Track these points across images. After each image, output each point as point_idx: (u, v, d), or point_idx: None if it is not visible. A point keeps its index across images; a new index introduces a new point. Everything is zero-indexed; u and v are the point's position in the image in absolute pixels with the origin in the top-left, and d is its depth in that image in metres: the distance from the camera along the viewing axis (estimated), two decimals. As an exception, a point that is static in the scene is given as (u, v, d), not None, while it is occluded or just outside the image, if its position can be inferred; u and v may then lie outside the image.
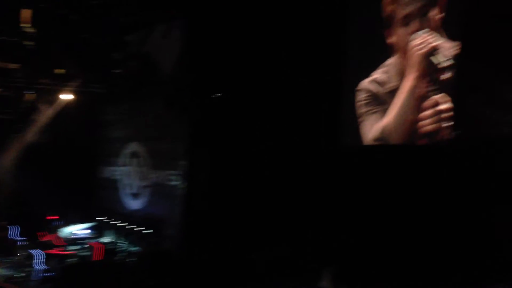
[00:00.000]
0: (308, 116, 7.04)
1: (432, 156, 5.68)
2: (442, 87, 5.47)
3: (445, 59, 5.39)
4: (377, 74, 6.21)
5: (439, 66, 5.43)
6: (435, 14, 5.57)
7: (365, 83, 6.37)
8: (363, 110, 6.40)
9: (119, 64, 9.00)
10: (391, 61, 6.03)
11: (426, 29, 5.59)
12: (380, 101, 6.20)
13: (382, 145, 6.16)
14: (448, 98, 5.43)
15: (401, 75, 5.93)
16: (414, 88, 5.70)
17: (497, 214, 5.04)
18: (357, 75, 6.46)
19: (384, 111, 6.16)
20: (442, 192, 5.52)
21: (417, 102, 5.68)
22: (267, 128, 7.50)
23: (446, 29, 5.47)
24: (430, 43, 5.53)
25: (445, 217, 5.47)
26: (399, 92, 5.87)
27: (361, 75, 6.40)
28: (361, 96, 6.42)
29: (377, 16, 6.10)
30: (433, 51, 5.51)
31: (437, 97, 5.49)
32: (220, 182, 7.96)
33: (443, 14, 5.50)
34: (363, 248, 6.25)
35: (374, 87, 6.26)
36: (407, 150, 5.95)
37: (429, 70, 5.56)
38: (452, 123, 5.38)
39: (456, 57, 5.36)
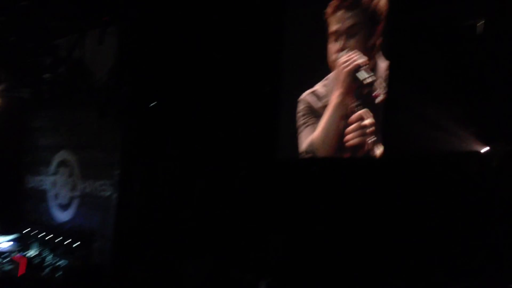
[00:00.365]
0: (246, 127, 7.01)
1: (361, 170, 5.80)
2: (366, 102, 5.68)
3: (368, 75, 5.62)
4: (318, 87, 6.26)
5: (364, 82, 5.65)
6: (366, 34, 5.74)
7: (305, 95, 6.41)
8: (300, 122, 6.44)
9: (49, 69, 8.69)
10: (332, 74, 6.12)
11: (352, 47, 5.78)
12: (316, 114, 6.27)
13: (315, 157, 6.22)
14: (371, 113, 5.63)
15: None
16: (339, 104, 5.90)
17: (421, 227, 5.21)
18: (299, 86, 6.47)
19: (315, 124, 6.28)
20: (370, 205, 5.64)
21: (342, 117, 5.87)
22: (203, 138, 7.42)
23: (380, 49, 5.62)
24: (355, 60, 5.74)
25: (375, 229, 5.59)
26: (327, 107, 6.06)
27: (303, 86, 6.40)
28: (300, 108, 6.47)
29: (319, 27, 6.16)
30: (358, 68, 5.71)
31: (361, 112, 5.70)
32: (153, 193, 7.80)
33: (375, 35, 5.65)
34: (298, 260, 6.27)
35: (312, 100, 6.33)
36: (341, 163, 6.03)
37: (353, 86, 5.77)
38: (374, 138, 5.56)
39: (388, 76, 5.50)
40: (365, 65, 5.66)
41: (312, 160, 6.28)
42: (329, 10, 6.02)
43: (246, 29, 6.87)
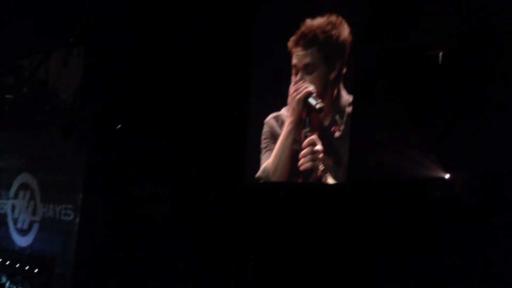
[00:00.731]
0: (214, 151, 6.97)
1: (324, 196, 5.83)
2: (315, 129, 5.91)
3: (317, 101, 5.88)
4: (283, 111, 6.30)
5: (316, 107, 5.89)
6: (325, 71, 5.92)
7: (270, 118, 6.44)
8: (262, 145, 6.46)
9: (12, 90, 8.53)
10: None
11: (310, 82, 6.00)
12: (276, 140, 6.32)
13: (279, 182, 6.23)
14: (320, 140, 5.86)
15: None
16: (291, 131, 6.12)
17: (382, 253, 5.25)
18: (266, 111, 6.48)
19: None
20: (332, 231, 5.66)
21: (294, 143, 6.09)
22: (170, 162, 7.35)
23: (342, 83, 5.78)
24: (305, 88, 5.98)
25: (333, 255, 5.61)
26: (282, 133, 6.24)
27: (270, 111, 6.43)
28: (263, 131, 6.50)
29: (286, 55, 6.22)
30: (308, 95, 5.95)
31: (313, 137, 5.91)
32: (117, 218, 7.66)
33: (335, 70, 5.82)
34: (262, 283, 6.22)
35: (274, 124, 6.38)
36: (303, 188, 6.04)
37: (304, 113, 6.02)
38: (323, 166, 5.76)
39: (351, 110, 5.65)
40: (315, 92, 5.93)
41: (278, 184, 6.28)
42: (290, 44, 6.16)
43: (215, 51, 6.89)
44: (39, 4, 7.61)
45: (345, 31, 5.73)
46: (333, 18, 5.83)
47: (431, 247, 4.99)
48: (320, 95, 5.90)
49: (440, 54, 5.06)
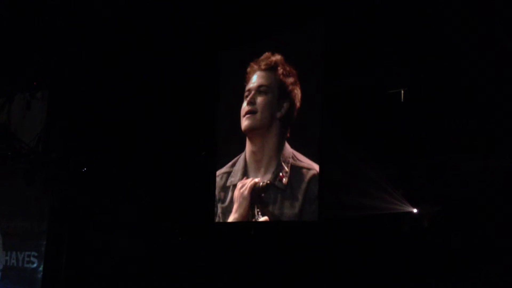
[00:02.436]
0: (183, 192, 6.92)
1: (297, 233, 5.82)
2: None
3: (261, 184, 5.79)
4: (228, 169, 6.28)
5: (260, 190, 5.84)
6: (275, 103, 5.85)
7: (218, 174, 6.40)
8: (218, 197, 6.39)
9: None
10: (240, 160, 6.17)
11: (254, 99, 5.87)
12: (227, 194, 6.25)
13: (245, 221, 6.12)
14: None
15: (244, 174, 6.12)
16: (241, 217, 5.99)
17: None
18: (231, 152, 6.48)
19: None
20: (303, 267, 5.65)
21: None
22: (137, 205, 7.23)
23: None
24: (251, 181, 5.91)
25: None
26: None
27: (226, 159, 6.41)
28: (216, 181, 6.42)
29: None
30: (254, 186, 5.89)
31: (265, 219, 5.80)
32: (83, 264, 7.45)
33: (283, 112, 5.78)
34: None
35: (222, 182, 6.33)
36: (273, 227, 6.01)
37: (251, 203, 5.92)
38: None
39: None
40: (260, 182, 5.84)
41: (249, 223, 6.24)
42: (249, 69, 6.10)
43: (180, 92, 6.92)
44: (1, 47, 7.54)
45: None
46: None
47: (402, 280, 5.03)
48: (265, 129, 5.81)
49: (402, 91, 5.22)
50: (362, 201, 5.16)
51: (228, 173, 6.28)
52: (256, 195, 5.88)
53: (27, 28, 7.25)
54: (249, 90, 5.99)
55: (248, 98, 5.94)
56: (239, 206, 5.98)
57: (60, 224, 7.78)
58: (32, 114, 8.10)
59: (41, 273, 7.84)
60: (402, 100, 5.21)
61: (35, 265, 7.99)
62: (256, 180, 5.88)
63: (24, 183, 7.91)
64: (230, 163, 6.29)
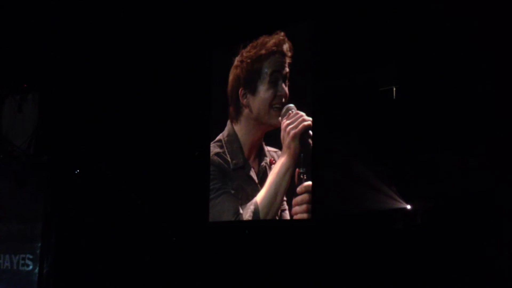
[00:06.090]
0: (176, 192, 6.91)
1: (290, 233, 5.82)
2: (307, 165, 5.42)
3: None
4: (220, 149, 6.14)
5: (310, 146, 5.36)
6: None
7: (212, 154, 6.19)
8: (214, 186, 6.19)
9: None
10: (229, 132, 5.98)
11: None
12: (228, 178, 6.05)
13: (239, 220, 6.06)
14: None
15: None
16: (286, 171, 5.49)
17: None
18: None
19: (233, 190, 6.00)
20: (299, 266, 5.65)
21: (288, 186, 5.50)
22: (131, 207, 7.22)
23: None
24: (302, 122, 5.39)
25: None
26: (272, 173, 5.61)
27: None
28: (211, 170, 6.18)
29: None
30: (307, 129, 5.39)
31: (309, 183, 5.37)
32: (78, 266, 7.43)
33: None
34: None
35: (220, 161, 6.15)
36: (267, 226, 6.00)
37: (298, 151, 5.41)
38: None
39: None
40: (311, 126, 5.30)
41: (242, 223, 6.23)
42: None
43: (173, 92, 6.90)
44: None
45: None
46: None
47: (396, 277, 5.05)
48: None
49: (394, 89, 5.22)
50: (355, 198, 5.17)
51: (219, 153, 6.12)
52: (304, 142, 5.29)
53: (17, 30, 7.23)
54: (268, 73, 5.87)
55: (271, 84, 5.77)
56: (287, 149, 5.33)
57: (54, 226, 7.75)
58: (23, 117, 8.07)
59: (37, 276, 7.80)
60: (394, 98, 5.21)
61: (30, 267, 7.97)
62: (309, 122, 5.28)
63: (16, 186, 7.88)
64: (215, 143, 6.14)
